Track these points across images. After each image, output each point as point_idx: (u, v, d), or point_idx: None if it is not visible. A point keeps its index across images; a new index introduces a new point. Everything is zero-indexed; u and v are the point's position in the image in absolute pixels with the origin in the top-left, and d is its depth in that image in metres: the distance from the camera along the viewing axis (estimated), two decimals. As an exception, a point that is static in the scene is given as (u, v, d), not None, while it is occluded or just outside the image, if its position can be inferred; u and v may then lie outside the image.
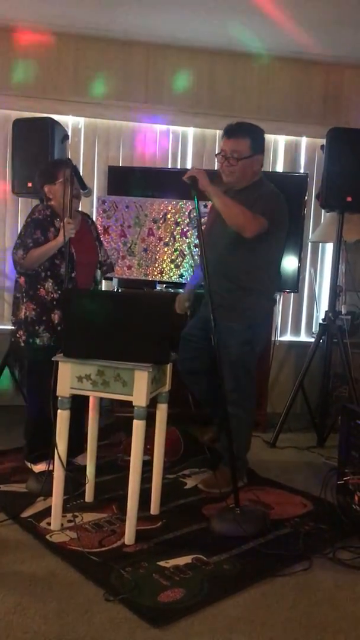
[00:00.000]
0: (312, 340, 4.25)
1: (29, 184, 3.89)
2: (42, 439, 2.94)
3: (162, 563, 2.35)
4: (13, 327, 3.17)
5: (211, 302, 2.64)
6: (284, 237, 3.08)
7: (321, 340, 4.10)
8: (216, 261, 2.85)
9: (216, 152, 3.04)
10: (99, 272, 3.34)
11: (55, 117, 4.09)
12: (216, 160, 3.03)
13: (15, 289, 3.19)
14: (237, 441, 2.80)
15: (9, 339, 3.16)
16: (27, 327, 3.08)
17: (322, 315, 4.24)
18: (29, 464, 3.22)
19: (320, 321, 4.20)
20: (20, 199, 4.45)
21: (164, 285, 4.22)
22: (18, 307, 3.13)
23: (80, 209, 3.30)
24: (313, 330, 4.82)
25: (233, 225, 2.83)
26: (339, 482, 2.91)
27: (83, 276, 3.13)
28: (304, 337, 4.93)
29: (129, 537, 2.50)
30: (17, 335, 3.13)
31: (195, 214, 3.96)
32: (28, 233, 3.00)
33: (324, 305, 4.73)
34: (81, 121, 4.57)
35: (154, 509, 2.80)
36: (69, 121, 4.51)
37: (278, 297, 3.71)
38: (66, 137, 4.09)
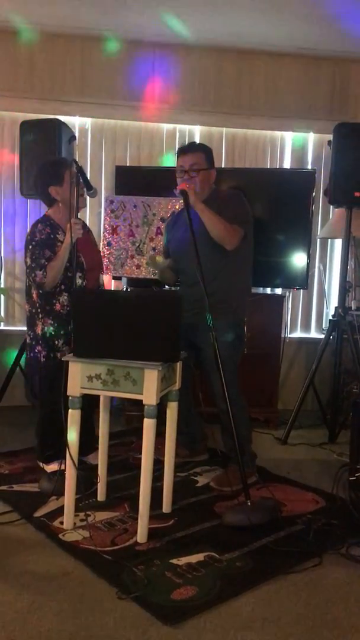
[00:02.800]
0: (322, 336, 4.24)
1: (37, 186, 3.92)
2: (53, 439, 2.96)
3: (174, 561, 2.36)
4: (31, 342, 3.16)
5: (206, 303, 2.75)
6: (252, 232, 3.23)
7: (331, 337, 4.09)
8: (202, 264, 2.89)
9: (176, 169, 3.20)
10: (101, 276, 3.36)
11: (62, 118, 4.11)
12: (177, 177, 3.16)
13: (28, 303, 3.18)
14: (241, 437, 2.83)
15: (21, 342, 3.16)
16: (46, 342, 3.08)
17: (332, 312, 4.23)
18: (41, 464, 3.24)
19: (330, 317, 4.18)
20: (29, 200, 4.47)
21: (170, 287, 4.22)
22: (34, 322, 3.13)
23: (87, 209, 3.31)
24: (323, 326, 4.81)
25: (216, 239, 3.02)
26: (350, 478, 2.90)
27: (91, 282, 3.15)
28: (314, 334, 4.91)
29: (141, 535, 2.51)
30: (36, 351, 3.12)
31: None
32: (38, 255, 3.01)
33: (333, 301, 4.73)
34: (88, 122, 4.58)
35: (166, 507, 2.82)
36: (75, 122, 4.53)
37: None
38: (73, 137, 4.11)
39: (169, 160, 4.54)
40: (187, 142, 3.36)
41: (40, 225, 3.10)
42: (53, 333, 3.07)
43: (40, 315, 3.10)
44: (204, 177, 3.13)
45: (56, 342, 3.08)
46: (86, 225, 3.40)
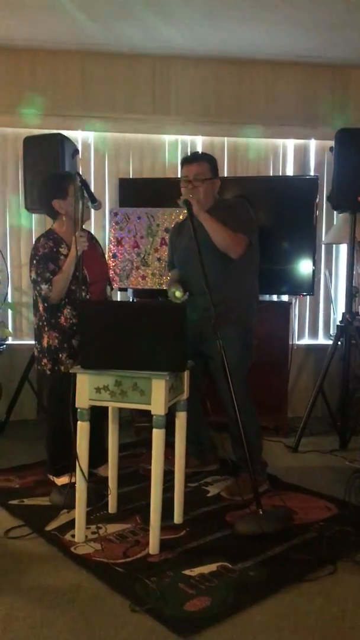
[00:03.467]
0: (330, 342, 4.22)
1: (41, 200, 3.95)
2: (63, 452, 2.96)
3: (187, 572, 2.34)
4: (38, 355, 3.19)
5: (213, 312, 2.74)
6: (257, 238, 3.22)
7: (339, 342, 4.07)
8: (207, 274, 2.89)
9: (180, 178, 3.22)
10: (108, 288, 3.36)
11: (65, 132, 4.14)
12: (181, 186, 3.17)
13: (35, 316, 3.21)
14: (250, 444, 2.81)
15: (29, 356, 3.19)
16: (51, 355, 3.10)
17: (339, 317, 4.21)
18: (51, 477, 3.24)
19: (338, 323, 4.17)
20: (33, 215, 4.50)
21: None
22: (41, 336, 3.15)
23: (92, 222, 3.32)
24: (331, 332, 4.79)
25: (221, 248, 3.01)
26: (362, 485, 2.89)
27: (95, 295, 3.16)
28: (322, 340, 4.90)
29: (153, 546, 2.50)
30: (43, 364, 3.15)
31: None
32: (42, 269, 3.03)
33: (340, 307, 4.71)
34: (90, 136, 4.62)
35: (177, 517, 2.80)
36: (78, 136, 4.56)
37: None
38: (76, 152, 4.14)
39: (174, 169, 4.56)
40: (190, 152, 3.37)
41: (43, 239, 3.12)
42: (57, 346, 3.09)
43: (46, 328, 3.12)
44: (208, 186, 3.14)
45: (60, 355, 3.09)
46: (94, 236, 3.42)
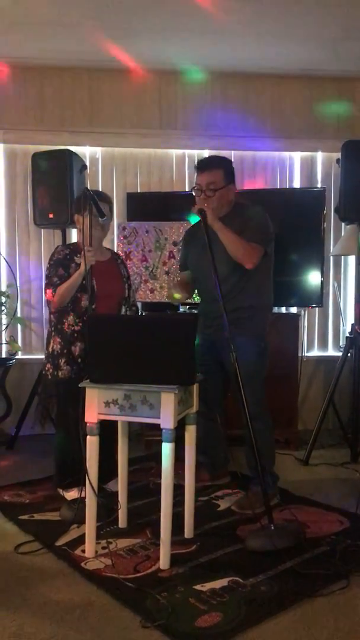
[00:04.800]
0: (340, 354, 4.20)
1: (50, 215, 3.98)
2: (71, 466, 2.95)
3: (198, 587, 2.32)
4: (45, 360, 3.26)
5: (225, 321, 2.72)
6: (273, 246, 3.19)
7: (349, 354, 4.05)
8: (221, 282, 2.88)
9: (191, 187, 3.20)
10: (123, 309, 3.36)
11: (73, 148, 4.18)
12: (193, 193, 3.14)
13: (48, 323, 3.29)
14: (264, 455, 2.79)
15: (38, 371, 3.22)
16: (52, 360, 3.15)
17: (348, 329, 4.20)
18: (60, 491, 3.23)
19: (347, 334, 4.15)
20: (42, 230, 4.54)
21: (187, 306, 4.23)
22: (49, 341, 3.22)
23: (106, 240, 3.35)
24: (340, 344, 4.77)
25: (235, 258, 2.98)
26: (375, 498, 2.86)
27: (103, 308, 3.16)
28: (331, 352, 4.88)
29: (163, 561, 2.48)
30: (46, 368, 3.21)
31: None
32: (52, 273, 3.12)
33: (349, 318, 4.69)
34: (98, 151, 4.66)
35: (188, 532, 2.78)
36: (86, 151, 4.60)
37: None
38: (84, 167, 4.17)
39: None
40: (203, 158, 3.25)
41: (61, 246, 3.27)
42: (59, 351, 3.12)
43: (53, 334, 3.18)
44: (222, 194, 3.07)
45: (59, 360, 3.12)
46: (120, 257, 3.44)
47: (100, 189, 4.60)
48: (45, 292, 3.14)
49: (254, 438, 2.69)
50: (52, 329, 3.19)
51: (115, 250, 4.30)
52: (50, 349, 3.18)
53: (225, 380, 3.21)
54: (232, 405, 3.16)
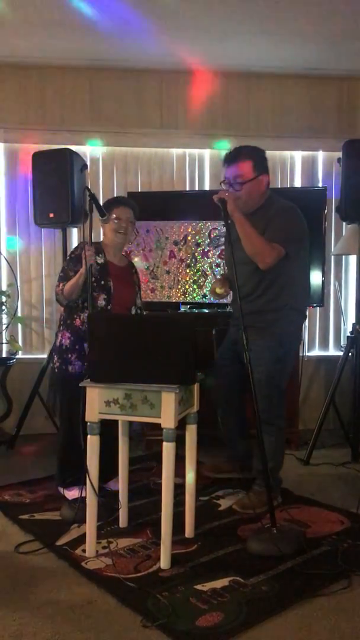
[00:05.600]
0: (341, 354, 4.20)
1: (51, 215, 3.98)
2: (73, 465, 2.95)
3: (199, 587, 2.32)
4: (52, 353, 3.32)
5: (242, 321, 2.68)
6: (307, 248, 3.08)
7: (350, 353, 4.05)
8: (243, 281, 2.88)
9: (220, 180, 3.06)
10: (133, 310, 3.37)
11: (74, 147, 4.17)
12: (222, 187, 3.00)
13: (59, 319, 3.31)
14: (271, 460, 2.78)
15: (39, 370, 3.21)
16: (61, 354, 3.15)
17: (349, 328, 4.19)
18: (61, 489, 3.23)
19: (348, 334, 4.15)
20: (43, 229, 4.53)
21: (188, 306, 4.23)
22: (57, 335, 3.24)
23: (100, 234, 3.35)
24: (341, 343, 4.77)
25: (250, 255, 2.88)
26: (376, 497, 2.85)
27: (118, 309, 3.17)
28: (332, 351, 4.87)
29: (164, 561, 2.47)
30: (54, 361, 3.23)
31: (215, 234, 4.02)
32: (70, 267, 3.12)
33: (350, 318, 4.69)
34: (99, 150, 4.65)
35: (189, 531, 2.78)
36: (87, 151, 4.60)
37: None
38: (85, 166, 4.17)
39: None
40: (232, 149, 3.04)
41: (83, 243, 3.10)
42: (68, 346, 3.13)
43: (62, 328, 3.19)
44: (251, 187, 2.93)
45: (70, 355, 3.12)
46: (134, 267, 3.42)
47: (100, 189, 4.61)
48: (58, 285, 3.13)
49: (261, 440, 2.68)
50: (62, 323, 3.21)
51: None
52: (58, 343, 3.19)
53: (242, 380, 3.19)
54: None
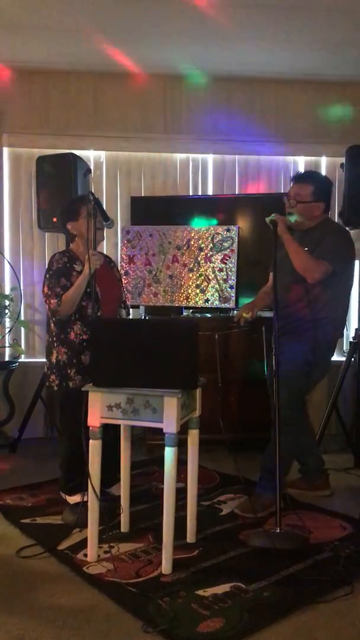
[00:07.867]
0: (343, 359, 4.19)
1: (54, 219, 4.00)
2: (77, 470, 2.95)
3: (200, 592, 2.31)
4: (47, 371, 3.20)
5: (276, 327, 2.84)
6: (352, 269, 3.24)
7: (353, 359, 4.04)
8: (284, 291, 3.05)
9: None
10: (123, 312, 3.38)
11: (78, 152, 4.19)
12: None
13: (47, 333, 3.24)
14: (282, 463, 2.79)
15: (41, 374, 3.19)
16: (59, 371, 3.11)
17: (351, 334, 4.19)
18: (63, 495, 3.23)
19: (351, 339, 4.15)
20: (46, 233, 4.54)
21: (191, 310, 4.23)
22: (50, 351, 3.17)
23: (105, 241, 3.35)
24: (344, 349, 4.76)
25: (300, 270, 3.04)
26: (378, 503, 2.84)
27: (107, 313, 3.17)
28: (335, 357, 4.83)
29: (166, 566, 2.47)
30: (51, 380, 3.16)
31: (218, 239, 4.01)
32: (54, 283, 3.06)
33: (353, 323, 4.68)
34: (102, 155, 4.67)
35: (190, 536, 2.77)
36: (90, 155, 4.61)
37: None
38: (88, 171, 4.19)
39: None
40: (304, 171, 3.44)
41: (58, 255, 3.17)
42: (66, 361, 3.09)
43: (55, 344, 3.13)
44: (305, 208, 3.14)
45: (69, 370, 3.09)
46: (112, 260, 3.43)
47: (104, 193, 4.62)
48: (50, 303, 3.04)
49: (277, 441, 2.72)
50: (54, 339, 3.13)
51: (119, 254, 4.33)
52: (54, 360, 3.13)
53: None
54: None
